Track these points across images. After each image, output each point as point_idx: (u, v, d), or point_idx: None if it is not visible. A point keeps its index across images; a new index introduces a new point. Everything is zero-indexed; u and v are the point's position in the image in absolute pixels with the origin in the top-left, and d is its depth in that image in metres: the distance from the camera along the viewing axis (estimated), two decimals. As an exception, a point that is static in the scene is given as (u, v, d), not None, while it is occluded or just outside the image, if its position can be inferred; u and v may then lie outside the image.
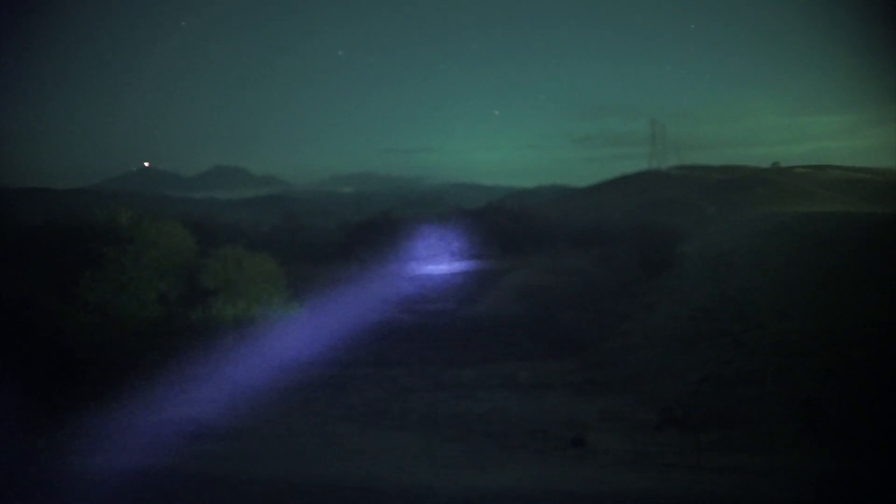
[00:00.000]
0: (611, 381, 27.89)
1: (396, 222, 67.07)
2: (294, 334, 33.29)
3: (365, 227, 65.88)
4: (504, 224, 68.16)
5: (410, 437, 21.14)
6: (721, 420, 20.33)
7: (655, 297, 39.09)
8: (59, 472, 15.03)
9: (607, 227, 65.09)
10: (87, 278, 27.42)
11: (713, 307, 32.99)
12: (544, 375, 29.18)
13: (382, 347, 34.97)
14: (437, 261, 57.52)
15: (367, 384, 28.35)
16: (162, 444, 18.30)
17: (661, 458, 17.72)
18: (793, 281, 31.39)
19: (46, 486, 14.06)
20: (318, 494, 13.95)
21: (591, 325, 37.23)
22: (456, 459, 17.86)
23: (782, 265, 34.99)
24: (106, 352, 24.24)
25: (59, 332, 24.25)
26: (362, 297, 44.24)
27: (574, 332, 36.71)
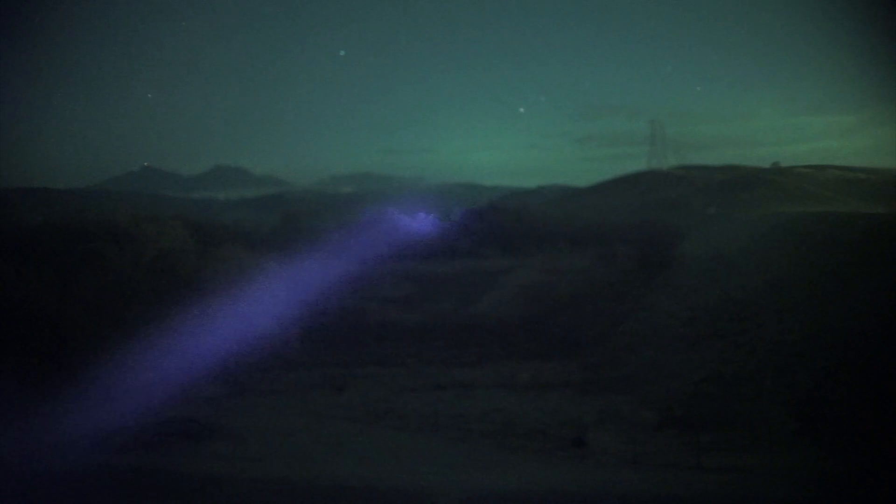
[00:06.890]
0: (611, 381, 27.87)
1: (396, 222, 67.09)
2: (294, 334, 33.38)
3: (365, 227, 65.83)
4: (504, 224, 68.07)
5: (410, 437, 21.15)
6: (721, 420, 20.32)
7: (655, 297, 39.04)
8: (58, 468, 15.06)
9: (607, 227, 64.91)
10: (86, 278, 27.46)
11: (713, 307, 32.94)
12: (544, 375, 29.16)
13: (382, 347, 34.98)
14: (437, 260, 57.47)
15: (367, 384, 28.34)
16: (161, 444, 18.32)
17: (661, 458, 17.73)
18: (793, 281, 31.32)
19: (46, 479, 14.10)
20: (318, 494, 13.97)
21: (591, 325, 37.20)
22: (456, 459, 17.87)
23: (782, 265, 34.92)
24: (104, 351, 24.27)
25: (58, 331, 24.28)
26: (362, 296, 44.29)
27: (574, 332, 36.69)
